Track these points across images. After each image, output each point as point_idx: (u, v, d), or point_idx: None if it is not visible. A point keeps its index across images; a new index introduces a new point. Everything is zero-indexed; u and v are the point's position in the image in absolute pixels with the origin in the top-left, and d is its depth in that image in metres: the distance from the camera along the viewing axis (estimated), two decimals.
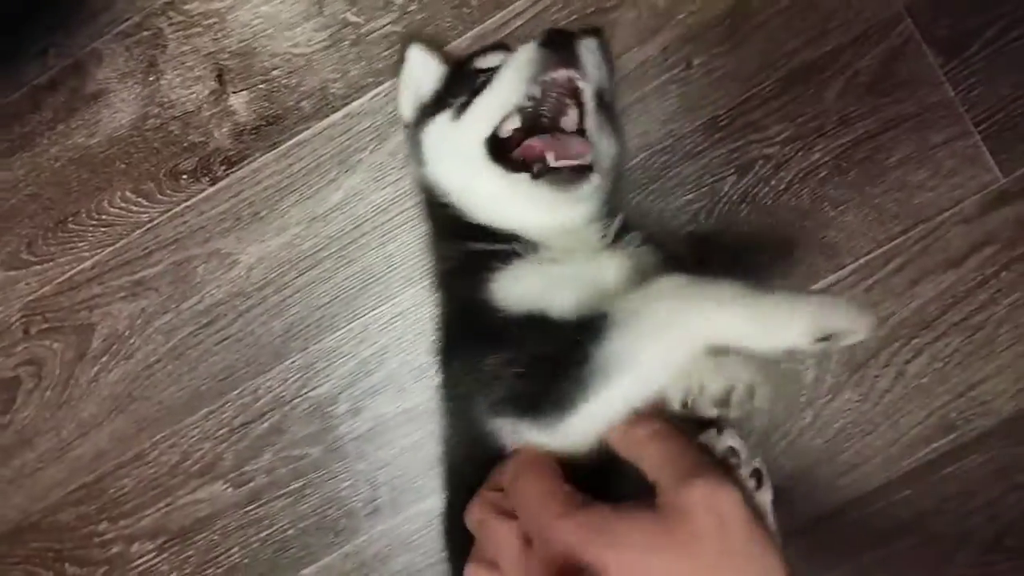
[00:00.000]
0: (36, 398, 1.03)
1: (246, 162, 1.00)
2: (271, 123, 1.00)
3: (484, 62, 0.83)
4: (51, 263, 1.03)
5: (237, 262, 1.01)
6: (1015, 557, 0.94)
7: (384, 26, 0.99)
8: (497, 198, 0.77)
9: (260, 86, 1.00)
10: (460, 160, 0.79)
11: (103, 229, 1.02)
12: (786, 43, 0.94)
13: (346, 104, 0.99)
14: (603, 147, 0.79)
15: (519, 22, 0.97)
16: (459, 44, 0.98)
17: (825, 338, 0.57)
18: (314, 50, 1.00)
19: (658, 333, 0.61)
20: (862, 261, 0.93)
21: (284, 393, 1.01)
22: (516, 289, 0.72)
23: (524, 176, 0.72)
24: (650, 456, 0.59)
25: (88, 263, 1.02)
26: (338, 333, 1.00)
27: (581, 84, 0.75)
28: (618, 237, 0.79)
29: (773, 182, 0.94)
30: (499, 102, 0.75)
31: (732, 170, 0.94)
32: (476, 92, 0.77)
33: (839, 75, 0.93)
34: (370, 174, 0.99)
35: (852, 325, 0.58)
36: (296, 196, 1.00)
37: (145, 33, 1.01)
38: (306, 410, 1.01)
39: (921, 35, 0.92)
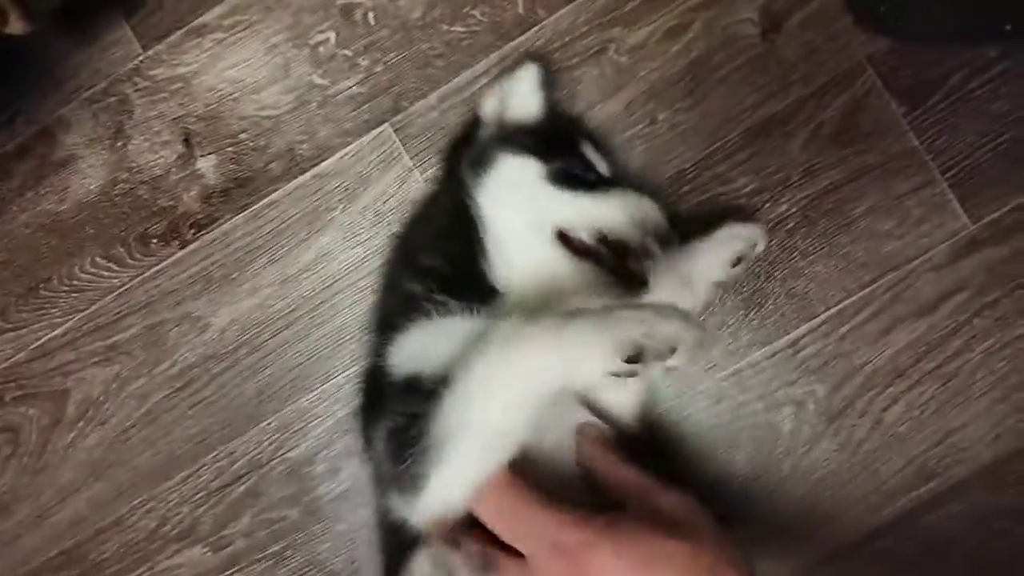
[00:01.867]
0: (13, 465, 1.04)
1: (216, 225, 1.01)
2: (240, 185, 1.01)
3: (591, 154, 0.86)
4: (24, 329, 1.04)
5: (209, 325, 1.02)
6: None
7: (350, 87, 1.01)
8: (530, 259, 0.81)
9: (228, 149, 1.01)
10: (529, 216, 0.82)
11: (75, 295, 1.03)
12: (748, 96, 0.95)
13: (315, 165, 1.00)
14: None
15: (483, 81, 0.99)
16: (426, 103, 0.99)
17: (636, 356, 0.56)
18: (281, 112, 1.01)
19: (480, 393, 0.61)
20: (833, 311, 0.94)
21: (260, 455, 1.01)
22: (403, 352, 0.75)
23: (589, 264, 0.78)
24: (626, 475, 0.66)
25: (61, 329, 1.03)
26: (312, 394, 1.01)
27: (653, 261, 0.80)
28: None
29: None
30: (604, 217, 0.80)
31: (700, 223, 0.95)
32: (578, 182, 0.82)
33: (803, 127, 0.94)
34: (341, 233, 1.00)
35: (663, 339, 0.57)
36: (267, 257, 1.01)
37: (112, 99, 1.03)
38: (283, 472, 1.01)
39: (884, 85, 0.94)
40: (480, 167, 0.86)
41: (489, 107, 0.93)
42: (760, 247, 0.88)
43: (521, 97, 0.91)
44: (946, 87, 0.94)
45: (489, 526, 0.65)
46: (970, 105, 0.94)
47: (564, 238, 0.80)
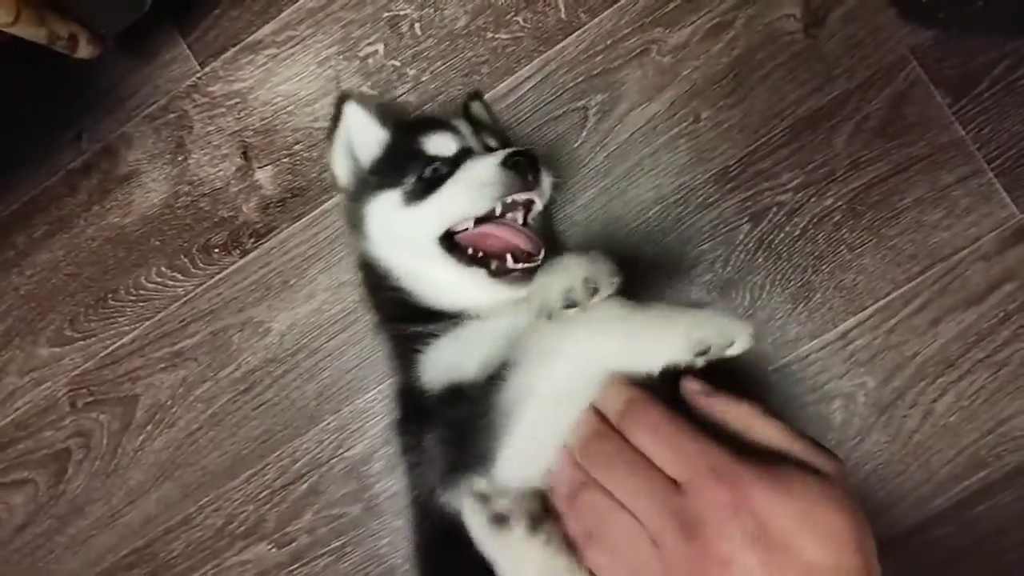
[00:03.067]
0: (86, 468, 1.10)
1: (274, 233, 1.06)
2: (296, 195, 1.06)
3: (433, 145, 0.85)
4: (93, 338, 1.09)
5: (270, 330, 1.06)
6: None
7: (400, 96, 1.04)
8: (449, 286, 0.82)
9: (284, 160, 1.06)
10: (411, 247, 0.83)
11: (141, 304, 1.08)
12: (791, 92, 0.97)
13: None
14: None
15: (528, 86, 1.02)
16: (475, 107, 1.02)
17: (704, 351, 0.61)
18: None
19: (545, 366, 0.65)
20: (882, 303, 0.96)
21: (321, 455, 1.06)
22: (434, 369, 0.78)
23: (482, 272, 0.78)
24: (773, 429, 0.61)
25: (128, 337, 1.08)
26: (369, 394, 1.05)
27: (537, 202, 0.82)
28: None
29: (788, 228, 0.97)
30: (460, 210, 0.79)
31: (746, 218, 0.98)
32: (431, 185, 0.81)
33: (847, 120, 0.96)
34: None
35: (726, 336, 0.61)
36: (322, 264, 1.05)
37: (171, 115, 1.08)
38: (343, 470, 1.06)
39: (928, 77, 0.95)
40: (355, 227, 0.89)
41: (340, 169, 0.92)
42: (738, 348, 0.64)
43: (361, 136, 0.91)
44: (990, 77, 0.95)
45: (640, 445, 0.60)
46: (1015, 94, 0.95)
47: (452, 240, 0.81)
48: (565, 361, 0.65)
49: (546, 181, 0.83)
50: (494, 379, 0.68)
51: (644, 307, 0.66)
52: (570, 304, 0.65)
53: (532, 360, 0.66)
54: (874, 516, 0.93)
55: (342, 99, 0.91)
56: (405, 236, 0.84)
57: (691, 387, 0.65)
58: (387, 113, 0.94)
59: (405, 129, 0.90)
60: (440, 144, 0.85)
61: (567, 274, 0.67)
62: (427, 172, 0.83)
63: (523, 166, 0.77)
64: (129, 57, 1.09)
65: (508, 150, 0.79)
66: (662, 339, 0.63)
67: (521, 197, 0.79)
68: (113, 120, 1.10)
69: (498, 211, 0.79)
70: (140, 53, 1.09)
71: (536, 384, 0.65)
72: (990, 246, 0.95)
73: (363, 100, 0.91)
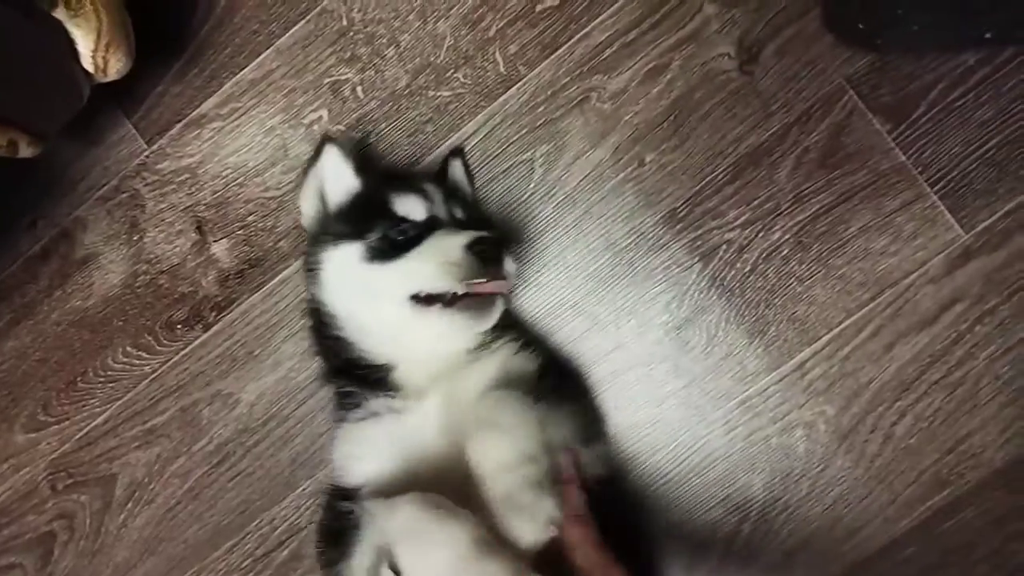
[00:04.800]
0: (72, 549, 1.13)
1: (235, 305, 1.09)
2: (253, 266, 1.09)
3: (403, 206, 0.88)
4: (67, 421, 1.12)
5: (239, 401, 1.10)
6: None
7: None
8: (398, 327, 0.86)
9: (238, 232, 1.09)
10: (365, 296, 0.87)
11: (111, 384, 1.11)
12: (732, 130, 1.00)
13: None
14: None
15: (474, 141, 1.05)
16: (422, 167, 1.04)
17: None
18: (284, 192, 1.08)
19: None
20: (835, 331, 0.99)
21: (299, 520, 1.09)
22: (339, 459, 0.86)
23: (436, 306, 0.83)
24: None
25: (101, 418, 1.12)
26: None
27: (504, 289, 0.86)
28: (488, 343, 0.89)
29: (738, 265, 1.00)
30: (423, 283, 0.83)
31: (697, 258, 1.01)
32: (396, 247, 0.85)
33: (788, 154, 0.99)
34: None
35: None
36: (285, 331, 1.08)
37: (123, 195, 1.11)
38: None
39: (865, 105, 0.98)
40: (312, 271, 0.91)
41: (307, 206, 0.96)
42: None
43: (334, 180, 0.93)
44: (927, 101, 0.98)
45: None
46: (953, 115, 0.98)
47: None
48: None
49: (511, 267, 0.86)
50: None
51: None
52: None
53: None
54: (842, 541, 0.98)
55: (324, 140, 0.94)
56: (362, 290, 0.87)
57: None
58: (367, 162, 0.99)
59: (377, 184, 0.93)
60: (410, 206, 0.88)
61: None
62: (394, 233, 0.86)
63: (488, 255, 0.81)
64: (76, 141, 1.11)
65: (475, 234, 0.82)
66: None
67: (486, 289, 0.82)
68: (66, 204, 1.13)
69: (460, 291, 0.82)
70: (86, 136, 1.11)
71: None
72: (938, 268, 0.98)
73: (344, 146, 0.94)
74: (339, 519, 0.79)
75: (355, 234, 0.88)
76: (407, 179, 0.95)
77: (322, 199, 0.94)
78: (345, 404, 0.88)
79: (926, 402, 0.99)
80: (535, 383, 0.85)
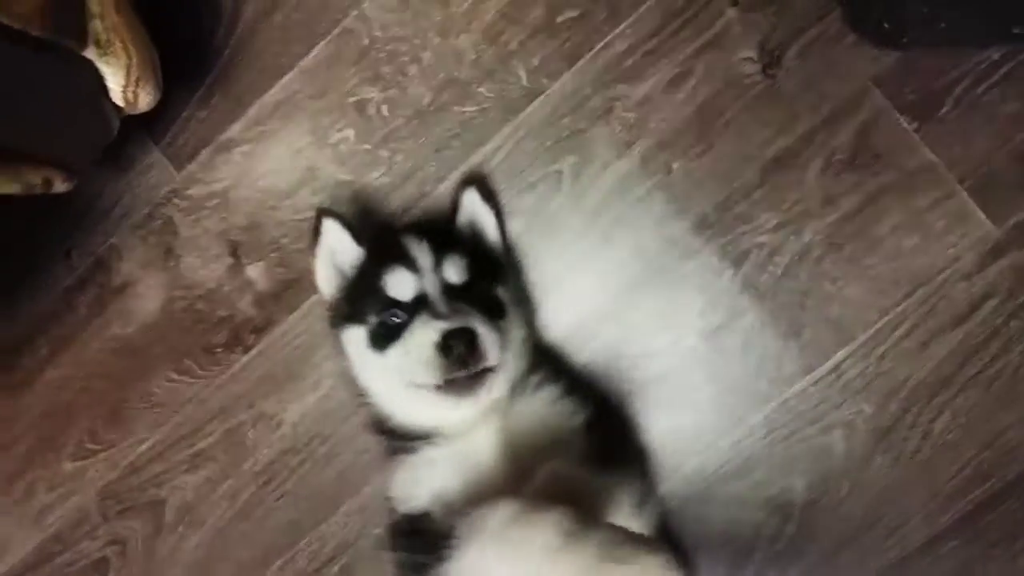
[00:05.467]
0: (125, 575, 1.16)
1: (273, 327, 1.11)
2: (288, 287, 1.11)
3: (392, 286, 0.90)
4: (114, 449, 1.16)
5: (282, 421, 1.12)
6: None
7: (376, 178, 1.08)
8: (407, 406, 0.90)
9: (272, 255, 1.11)
10: (377, 378, 0.92)
11: (155, 410, 1.14)
12: (758, 134, 1.01)
13: None
14: (509, 347, 0.90)
15: (500, 155, 1.06)
16: (448, 185, 1.06)
17: None
18: (315, 213, 1.08)
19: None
20: (871, 331, 1.00)
21: (348, 535, 1.12)
22: (395, 490, 0.89)
23: (428, 389, 0.85)
24: None
25: (147, 444, 1.15)
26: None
27: (483, 368, 0.85)
28: (519, 388, 0.92)
29: (770, 268, 1.01)
30: (407, 375, 0.86)
31: (728, 263, 1.02)
32: (389, 333, 0.88)
33: (816, 156, 1.00)
34: None
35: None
36: (324, 351, 1.11)
37: (157, 222, 1.13)
38: (371, 547, 1.11)
39: (892, 104, 0.98)
40: (336, 345, 0.97)
41: (324, 283, 1.00)
42: None
43: (338, 252, 0.98)
44: (952, 97, 0.98)
45: None
46: (980, 111, 0.98)
47: None
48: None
49: (491, 350, 0.85)
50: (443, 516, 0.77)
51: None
52: None
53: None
54: (883, 538, 0.99)
55: (320, 215, 0.97)
56: (373, 372, 0.93)
57: None
58: (365, 218, 1.01)
59: (371, 258, 0.96)
60: (399, 285, 0.90)
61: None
62: (386, 317, 0.89)
63: (455, 351, 0.82)
64: (105, 170, 1.13)
65: (445, 328, 0.83)
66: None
67: (462, 374, 0.84)
68: (100, 233, 1.15)
69: (440, 383, 0.84)
70: (116, 165, 1.13)
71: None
72: (970, 264, 0.99)
73: (342, 217, 0.98)
74: (416, 550, 0.80)
75: (358, 318, 0.92)
76: (400, 243, 0.94)
77: (336, 268, 0.99)
78: (396, 448, 0.92)
79: (963, 397, 1.00)
80: (586, 442, 0.88)
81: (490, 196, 1.05)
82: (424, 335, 0.84)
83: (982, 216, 0.99)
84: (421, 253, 0.91)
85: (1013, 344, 0.99)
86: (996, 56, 0.97)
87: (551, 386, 0.93)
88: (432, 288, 0.89)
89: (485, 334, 0.84)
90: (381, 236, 1.01)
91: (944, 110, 0.99)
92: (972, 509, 1.01)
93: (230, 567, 1.16)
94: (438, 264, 0.91)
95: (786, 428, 1.04)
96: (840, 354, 1.02)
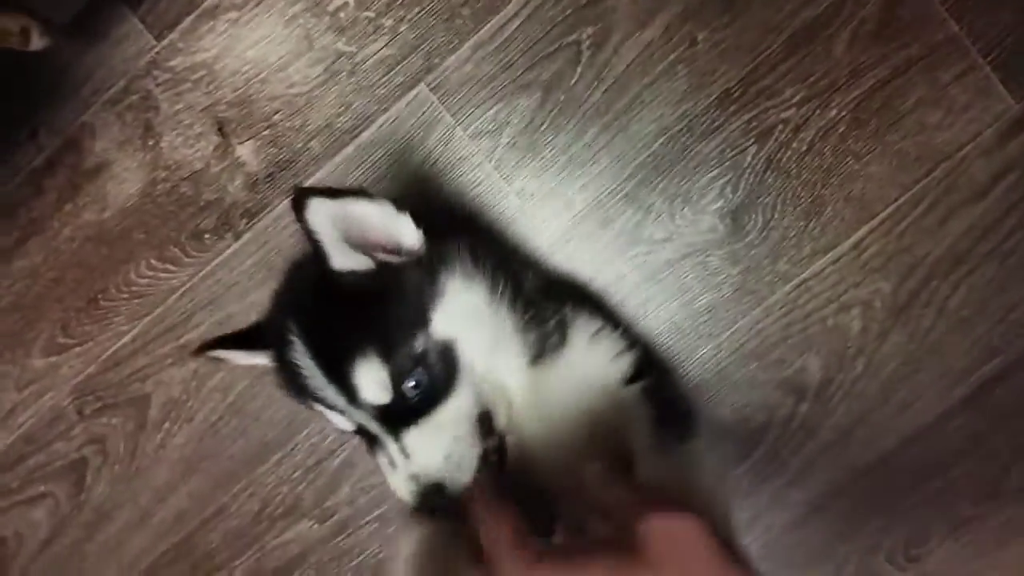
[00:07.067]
0: (106, 474, 1.11)
1: (266, 211, 1.05)
2: (283, 168, 1.04)
3: (329, 418, 0.79)
4: (91, 342, 1.08)
5: None
6: None
7: (379, 50, 1.02)
8: None
9: (264, 132, 1.04)
10: None
11: (136, 300, 1.07)
12: (785, 5, 0.98)
13: (355, 137, 1.03)
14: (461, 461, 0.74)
15: (515, 24, 1.01)
16: (459, 56, 1.00)
17: None
18: (312, 87, 1.03)
19: None
20: (892, 208, 1.00)
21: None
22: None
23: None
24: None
25: (129, 336, 1.08)
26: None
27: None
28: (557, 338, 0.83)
29: (794, 145, 1.00)
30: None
31: (752, 140, 1.00)
32: (369, 441, 0.78)
33: (844, 28, 0.98)
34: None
35: None
36: None
37: (134, 97, 1.04)
38: None
39: None
40: None
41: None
42: None
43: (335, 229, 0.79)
44: None
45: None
46: None
47: None
48: None
49: (467, 473, 0.72)
50: None
51: None
52: None
53: None
54: (896, 415, 1.01)
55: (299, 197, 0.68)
56: None
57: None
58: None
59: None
60: (332, 419, 0.78)
61: None
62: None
63: (432, 502, 0.72)
64: (77, 40, 1.03)
65: (413, 489, 0.72)
66: None
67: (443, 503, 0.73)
68: (70, 110, 1.06)
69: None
70: (88, 34, 1.04)
71: None
72: (990, 140, 1.00)
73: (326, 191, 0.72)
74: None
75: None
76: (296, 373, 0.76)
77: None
78: None
79: (979, 273, 1.02)
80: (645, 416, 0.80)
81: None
82: (395, 481, 0.74)
83: (1003, 91, 0.99)
84: (326, 389, 0.73)
85: None
86: None
87: (610, 337, 0.84)
88: (365, 419, 0.73)
89: (454, 467, 0.71)
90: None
91: None
92: (983, 382, 1.04)
93: (222, 463, 1.11)
94: (350, 395, 0.72)
95: (804, 308, 1.04)
96: (861, 232, 1.02)
